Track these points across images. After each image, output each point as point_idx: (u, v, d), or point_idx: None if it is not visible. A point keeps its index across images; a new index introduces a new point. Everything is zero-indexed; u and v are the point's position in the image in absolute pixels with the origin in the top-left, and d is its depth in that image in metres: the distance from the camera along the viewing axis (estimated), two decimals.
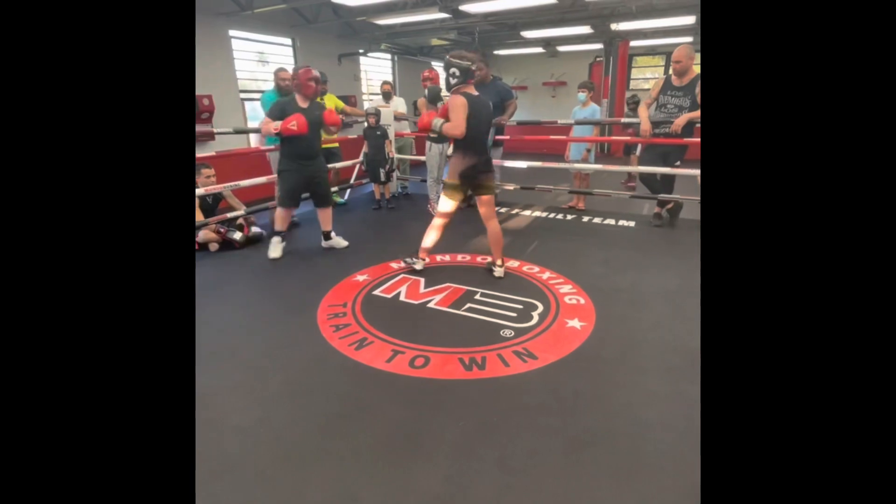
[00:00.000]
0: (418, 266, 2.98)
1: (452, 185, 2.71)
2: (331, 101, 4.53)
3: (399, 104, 5.18)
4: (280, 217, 3.33)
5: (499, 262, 2.84)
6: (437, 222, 2.83)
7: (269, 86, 5.73)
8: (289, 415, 1.67)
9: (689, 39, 6.99)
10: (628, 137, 4.54)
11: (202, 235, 3.46)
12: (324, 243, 3.52)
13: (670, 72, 3.58)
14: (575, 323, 2.31)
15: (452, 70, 2.55)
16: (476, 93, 2.60)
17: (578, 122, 4.39)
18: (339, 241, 3.54)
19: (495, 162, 4.66)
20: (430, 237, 2.86)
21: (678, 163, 3.71)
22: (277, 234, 3.35)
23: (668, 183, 3.96)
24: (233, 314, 2.49)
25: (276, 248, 3.32)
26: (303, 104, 3.11)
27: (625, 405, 1.69)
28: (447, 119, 2.57)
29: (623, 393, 1.76)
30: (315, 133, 3.19)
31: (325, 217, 3.47)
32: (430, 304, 2.54)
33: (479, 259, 3.22)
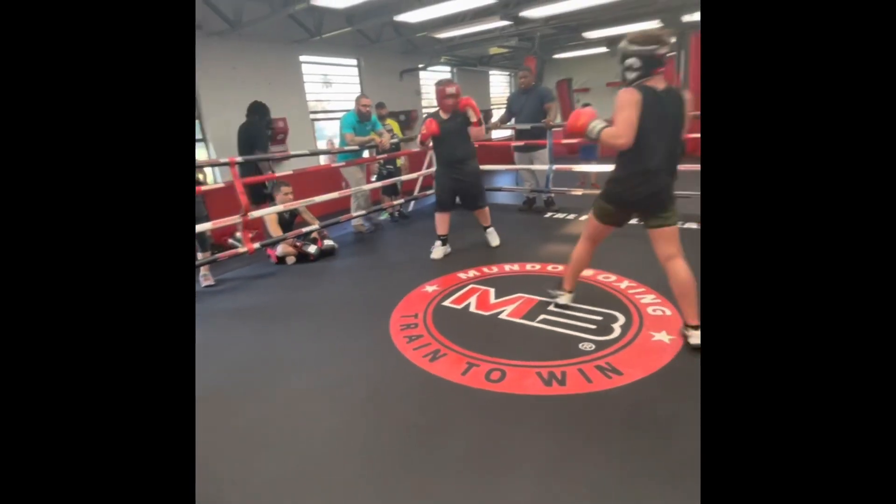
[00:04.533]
0: (562, 300, 2.44)
1: (599, 204, 2.13)
2: (395, 128, 4.87)
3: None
4: (438, 221, 3.52)
5: (693, 322, 1.97)
6: (577, 248, 2.31)
7: (333, 105, 6.10)
8: (372, 424, 1.68)
9: None
10: None
11: (281, 249, 3.66)
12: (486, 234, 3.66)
13: None
14: (662, 336, 2.13)
15: (629, 62, 1.86)
16: (662, 86, 1.86)
17: None
18: (492, 237, 3.63)
19: (539, 167, 4.45)
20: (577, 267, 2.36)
21: None
22: (439, 237, 3.53)
23: None
24: (312, 326, 2.58)
25: (437, 251, 3.51)
26: (444, 116, 3.34)
27: None
28: (609, 123, 1.91)
29: None
30: (457, 140, 3.35)
31: (481, 216, 3.60)
32: (502, 316, 2.47)
33: (549, 268, 3.11)
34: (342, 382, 1.97)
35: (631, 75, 1.88)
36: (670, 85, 1.91)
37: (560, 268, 3.07)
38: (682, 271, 1.98)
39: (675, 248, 2.02)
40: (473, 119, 3.29)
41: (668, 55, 1.85)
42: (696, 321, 1.97)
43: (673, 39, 1.90)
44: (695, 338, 1.96)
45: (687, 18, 6.10)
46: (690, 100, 1.93)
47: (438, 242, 3.54)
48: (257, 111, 4.28)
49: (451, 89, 3.25)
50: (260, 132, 4.22)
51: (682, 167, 4.07)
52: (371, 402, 1.83)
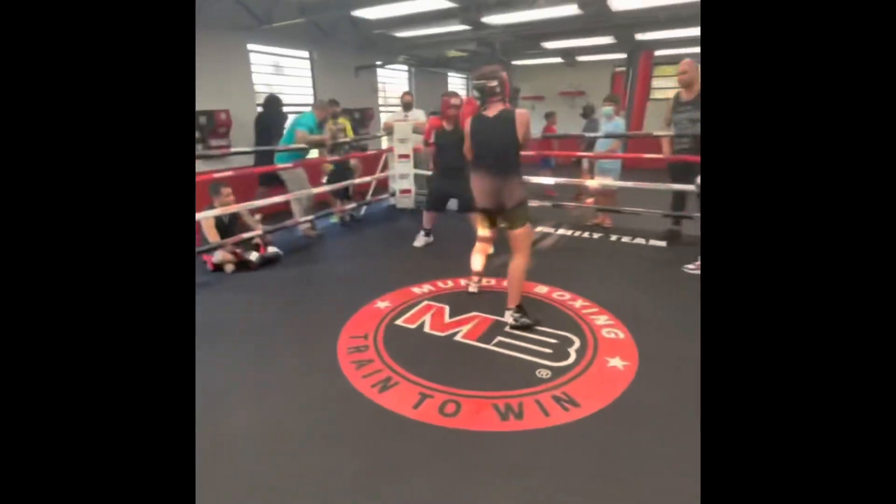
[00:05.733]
0: (471, 289, 2.93)
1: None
2: (347, 127, 4.67)
3: (418, 115, 5.08)
4: (425, 217, 3.89)
5: (512, 306, 2.44)
6: (476, 246, 2.86)
7: (287, 99, 5.80)
8: (313, 470, 1.51)
9: None
10: (663, 155, 4.31)
11: (218, 256, 3.36)
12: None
13: (678, 90, 3.53)
14: (617, 362, 2.12)
15: (473, 93, 2.44)
16: (494, 112, 2.32)
17: (608, 136, 4.23)
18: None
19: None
20: (473, 260, 2.90)
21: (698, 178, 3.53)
22: (424, 230, 3.91)
23: (681, 200, 3.83)
24: (249, 346, 2.35)
25: (419, 240, 3.92)
26: (448, 127, 3.53)
27: (685, 462, 1.50)
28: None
29: (680, 448, 1.57)
30: (459, 150, 3.41)
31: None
32: (457, 337, 2.38)
33: (505, 284, 3.05)
34: (280, 419, 1.78)
35: (478, 103, 2.40)
36: (504, 109, 2.31)
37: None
38: (514, 267, 2.42)
39: (516, 247, 2.42)
40: None
41: (496, 88, 2.27)
42: (511, 305, 2.43)
43: (502, 74, 2.31)
44: (507, 317, 2.45)
45: (639, 37, 6.31)
46: (524, 117, 2.30)
47: (422, 233, 3.93)
48: (273, 103, 4.46)
49: (455, 101, 3.43)
50: (277, 122, 4.31)
51: (633, 185, 4.10)
52: (312, 442, 1.66)
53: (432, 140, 3.63)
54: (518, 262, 2.41)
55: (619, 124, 4.38)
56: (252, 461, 1.56)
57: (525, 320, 2.41)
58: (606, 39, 6.62)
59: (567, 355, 2.18)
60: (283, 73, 6.35)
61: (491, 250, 2.74)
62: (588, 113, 5.75)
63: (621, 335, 2.37)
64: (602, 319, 2.54)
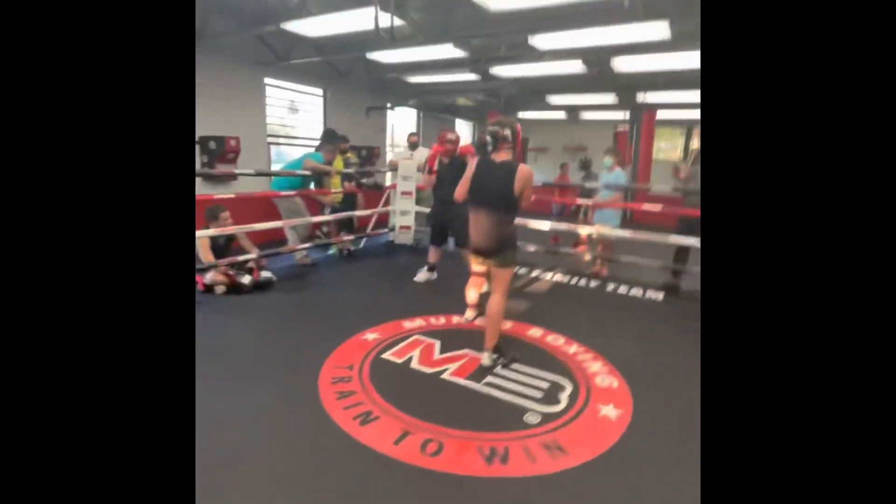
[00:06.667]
0: (465, 317, 3.04)
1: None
2: (338, 164, 4.72)
3: (423, 155, 5.19)
4: (431, 252, 3.88)
5: (489, 346, 2.39)
6: (471, 280, 2.96)
7: (296, 132, 5.98)
8: None
9: None
10: (656, 205, 4.41)
11: (210, 277, 3.31)
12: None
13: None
14: (609, 410, 2.03)
15: (486, 138, 2.46)
16: (500, 160, 2.37)
17: (606, 187, 4.30)
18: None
19: None
20: (468, 293, 3.01)
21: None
22: (428, 265, 3.88)
23: (684, 253, 3.87)
24: (228, 372, 2.26)
25: (421, 275, 3.87)
26: (444, 160, 3.70)
27: None
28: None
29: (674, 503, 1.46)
30: (455, 183, 3.32)
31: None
32: (445, 375, 2.29)
33: (508, 326, 2.98)
34: (250, 450, 1.67)
35: (488, 147, 2.42)
36: (510, 160, 2.37)
37: (509, 324, 2.96)
38: (493, 305, 2.42)
39: (498, 286, 2.45)
40: None
41: (508, 136, 2.37)
42: (488, 346, 2.40)
43: (516, 125, 2.42)
44: (484, 359, 2.39)
45: (640, 98, 6.59)
46: (525, 174, 2.32)
47: (426, 268, 3.89)
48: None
49: (451, 136, 3.61)
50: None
51: (635, 236, 4.12)
52: (282, 474, 1.55)
53: (436, 168, 3.70)
54: (497, 301, 2.42)
55: (619, 175, 4.46)
56: (218, 490, 1.44)
57: (502, 360, 2.40)
58: (608, 98, 6.90)
59: (558, 401, 2.09)
60: (296, 109, 6.58)
61: (486, 286, 2.72)
62: (586, 166, 5.86)
63: (615, 383, 2.28)
64: (596, 366, 2.46)
